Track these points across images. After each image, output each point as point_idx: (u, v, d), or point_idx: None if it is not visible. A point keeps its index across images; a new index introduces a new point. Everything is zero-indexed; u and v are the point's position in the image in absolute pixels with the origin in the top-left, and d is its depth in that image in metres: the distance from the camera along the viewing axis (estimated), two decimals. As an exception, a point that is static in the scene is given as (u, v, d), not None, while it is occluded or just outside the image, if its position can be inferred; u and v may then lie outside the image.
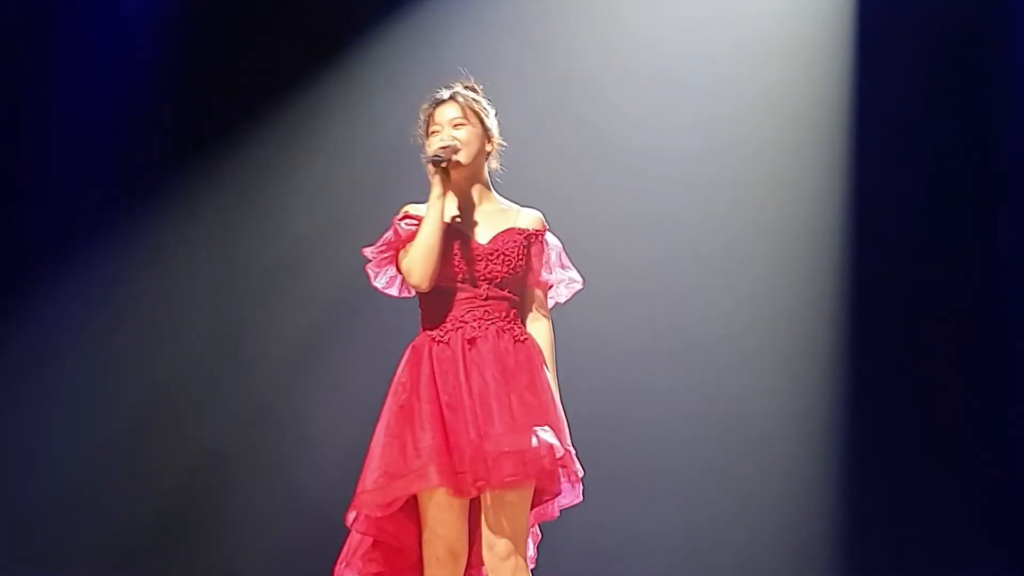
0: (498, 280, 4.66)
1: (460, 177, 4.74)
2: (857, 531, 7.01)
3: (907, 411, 7.04)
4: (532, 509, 4.66)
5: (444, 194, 4.67)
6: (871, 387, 7.04)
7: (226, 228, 7.07)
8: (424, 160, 4.69)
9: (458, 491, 4.54)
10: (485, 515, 4.58)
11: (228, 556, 6.93)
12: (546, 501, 4.67)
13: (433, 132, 4.74)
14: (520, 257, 4.69)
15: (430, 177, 4.68)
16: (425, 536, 4.61)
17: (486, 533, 4.59)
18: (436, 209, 4.66)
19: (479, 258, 4.67)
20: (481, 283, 4.66)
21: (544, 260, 4.76)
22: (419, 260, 4.64)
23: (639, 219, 7.03)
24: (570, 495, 4.70)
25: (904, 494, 7.00)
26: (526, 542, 4.61)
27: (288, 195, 7.07)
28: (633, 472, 6.79)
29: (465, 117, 4.73)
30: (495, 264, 4.67)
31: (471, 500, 4.63)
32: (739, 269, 7.05)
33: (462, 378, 4.59)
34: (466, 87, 4.82)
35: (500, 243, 4.69)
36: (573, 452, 4.65)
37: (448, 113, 4.74)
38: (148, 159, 7.03)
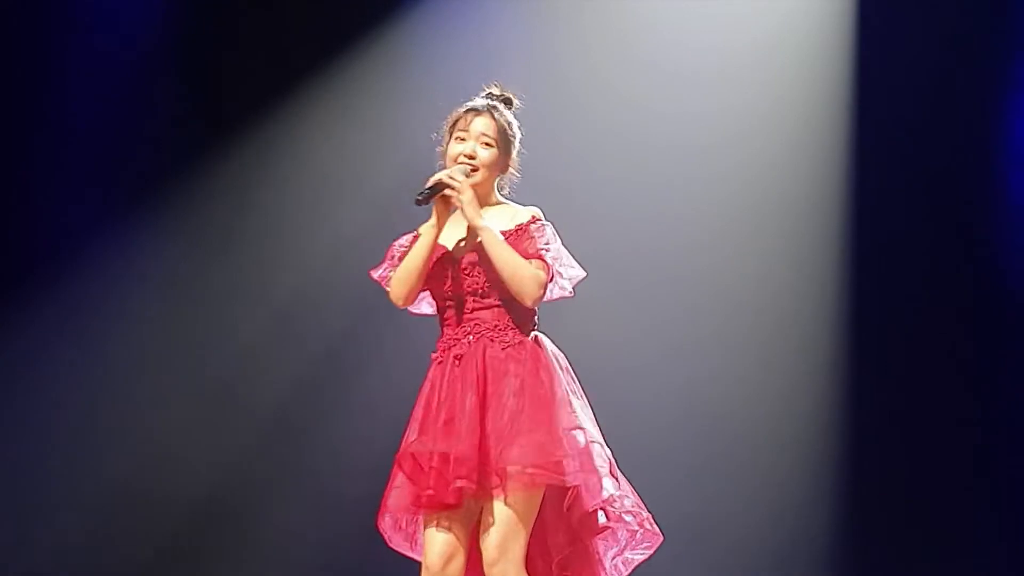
0: (480, 291, 4.68)
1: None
2: (857, 530, 7.02)
3: (908, 409, 7.04)
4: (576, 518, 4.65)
5: (441, 224, 4.70)
6: (872, 383, 7.04)
7: (236, 229, 7.09)
8: (423, 193, 4.66)
9: (417, 509, 4.60)
10: (480, 523, 4.61)
11: (248, 565, 6.96)
12: (570, 493, 4.61)
13: (458, 138, 4.75)
14: None
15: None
16: (422, 542, 4.68)
17: (480, 541, 4.61)
18: (429, 237, 4.70)
19: (456, 273, 4.69)
20: (467, 297, 4.69)
21: (532, 241, 4.68)
22: (397, 280, 4.72)
23: (641, 213, 7.03)
24: (590, 498, 4.63)
25: (904, 493, 7.01)
26: (521, 551, 4.57)
27: (310, 199, 7.09)
28: (632, 468, 6.77)
29: (495, 137, 4.75)
30: (474, 276, 4.68)
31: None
32: (740, 265, 7.06)
33: (444, 395, 4.62)
34: (502, 98, 4.83)
35: (476, 255, 4.68)
36: (563, 436, 4.56)
37: (480, 126, 4.75)
38: (152, 162, 7.03)
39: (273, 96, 7.04)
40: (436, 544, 4.61)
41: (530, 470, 4.52)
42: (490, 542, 4.56)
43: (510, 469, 4.51)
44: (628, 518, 4.63)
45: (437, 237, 4.71)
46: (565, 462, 4.55)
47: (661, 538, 4.68)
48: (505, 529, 4.54)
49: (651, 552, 4.70)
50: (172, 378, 6.99)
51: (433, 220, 4.70)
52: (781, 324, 7.05)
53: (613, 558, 4.69)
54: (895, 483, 7.00)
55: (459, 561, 4.62)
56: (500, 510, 4.55)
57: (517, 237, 4.68)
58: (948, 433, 7.00)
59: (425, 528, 4.64)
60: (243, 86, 7.04)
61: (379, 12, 7.04)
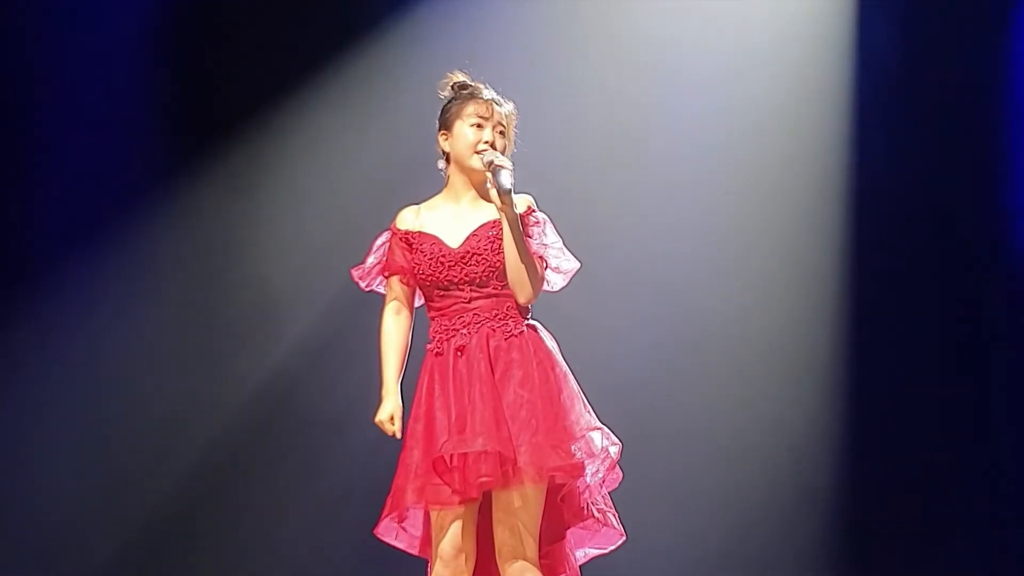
0: (478, 280, 4.65)
1: (461, 179, 4.75)
2: (856, 530, 7.02)
3: (908, 409, 7.04)
4: (562, 497, 4.66)
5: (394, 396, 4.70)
6: (872, 383, 7.04)
7: (232, 225, 7.08)
8: (497, 179, 4.61)
9: (435, 503, 4.56)
10: (494, 517, 4.60)
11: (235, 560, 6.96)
12: (566, 487, 4.65)
13: (477, 125, 4.72)
14: (497, 251, 4.64)
15: (490, 173, 4.65)
16: (432, 537, 4.65)
17: (495, 535, 4.61)
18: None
19: (453, 263, 4.65)
20: (463, 286, 4.65)
21: (530, 237, 4.69)
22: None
23: (639, 213, 7.02)
24: (604, 478, 4.68)
25: (904, 494, 7.01)
26: (535, 542, 4.59)
27: (302, 193, 7.07)
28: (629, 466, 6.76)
29: (507, 127, 4.75)
30: (471, 266, 4.65)
31: (483, 504, 4.64)
32: (741, 265, 7.06)
33: (450, 388, 4.60)
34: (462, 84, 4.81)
35: (472, 243, 4.66)
36: (583, 433, 4.60)
37: (498, 116, 4.73)
38: (150, 162, 7.01)
39: (268, 97, 7.03)
40: (450, 536, 4.59)
41: (556, 473, 4.57)
42: (508, 536, 4.57)
43: (531, 468, 4.52)
44: (597, 513, 4.68)
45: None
46: (587, 464, 4.60)
47: (624, 536, 4.74)
48: (522, 523, 4.56)
49: (612, 549, 4.76)
50: (167, 377, 6.98)
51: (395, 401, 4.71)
52: (780, 324, 7.04)
53: (581, 549, 4.75)
54: (894, 483, 6.99)
55: (471, 551, 4.62)
56: (516, 504, 4.56)
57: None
58: (948, 433, 7.00)
59: (436, 520, 4.62)
60: (238, 87, 7.03)
61: (373, 15, 7.03)
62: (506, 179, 4.59)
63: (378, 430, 4.73)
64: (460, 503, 4.55)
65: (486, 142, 4.70)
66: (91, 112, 6.94)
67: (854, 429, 7.04)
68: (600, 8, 7.05)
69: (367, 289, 4.83)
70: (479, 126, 4.72)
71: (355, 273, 4.82)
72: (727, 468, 6.97)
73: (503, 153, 4.71)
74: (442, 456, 4.54)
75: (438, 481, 4.53)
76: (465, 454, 4.51)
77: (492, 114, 4.73)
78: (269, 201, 7.08)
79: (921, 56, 7.05)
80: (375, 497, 4.79)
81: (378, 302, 4.79)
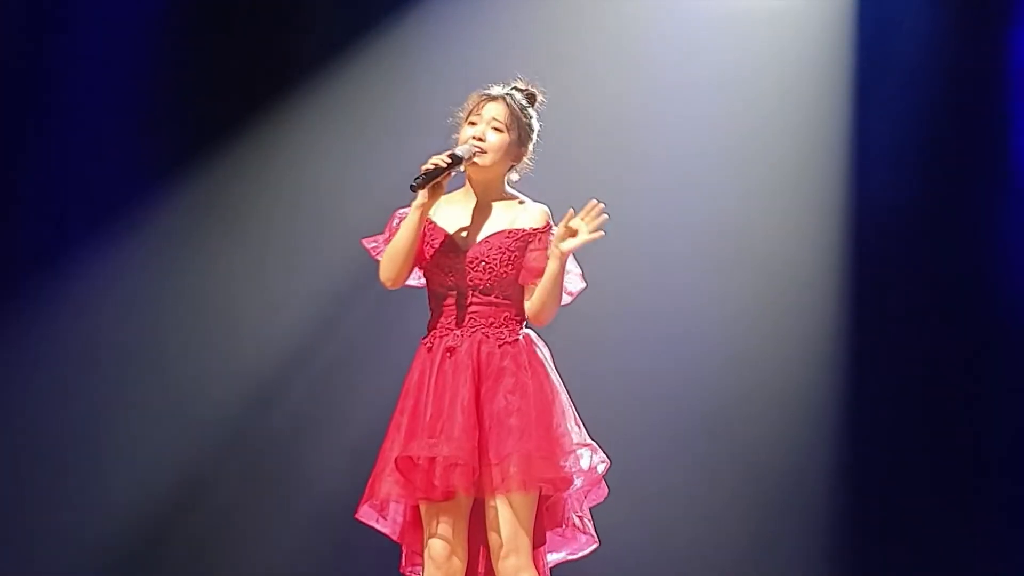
0: (483, 287, 4.67)
1: (475, 179, 4.76)
2: (854, 532, 7.03)
3: (909, 409, 7.05)
4: (547, 506, 4.68)
5: (427, 206, 4.66)
6: (874, 386, 7.05)
7: (233, 223, 7.09)
8: (418, 179, 4.63)
9: (409, 499, 4.60)
10: (487, 519, 4.63)
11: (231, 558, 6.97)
12: (553, 496, 4.67)
13: (470, 123, 4.74)
14: (506, 262, 4.66)
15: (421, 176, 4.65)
16: (424, 535, 4.67)
17: (489, 537, 4.63)
18: (415, 218, 4.66)
19: (462, 267, 4.67)
20: (467, 290, 4.67)
21: (543, 255, 4.70)
22: (386, 259, 4.69)
23: (641, 215, 7.03)
24: (588, 491, 4.70)
25: (905, 495, 7.02)
26: (529, 544, 4.61)
27: (296, 192, 7.08)
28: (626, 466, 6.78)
29: (505, 123, 4.73)
30: (477, 272, 4.66)
31: (477, 504, 4.66)
32: (742, 268, 7.07)
33: (433, 388, 4.62)
34: (526, 92, 4.82)
35: (483, 251, 4.67)
36: (573, 448, 4.61)
37: (492, 111, 4.73)
38: (151, 158, 7.03)
39: (273, 94, 7.04)
40: (440, 537, 4.62)
41: (544, 484, 4.59)
42: (500, 538, 4.58)
43: (520, 476, 4.54)
44: (577, 520, 4.73)
45: (422, 217, 4.66)
46: (575, 479, 4.62)
47: (597, 543, 4.75)
48: (514, 525, 4.57)
49: (583, 555, 4.77)
50: (162, 377, 7.00)
51: (419, 200, 4.65)
52: (781, 330, 7.05)
53: (555, 553, 4.77)
54: (895, 484, 7.00)
55: (462, 552, 4.64)
56: (508, 508, 4.57)
57: (530, 242, 4.69)
58: (949, 434, 7.00)
59: (427, 520, 4.64)
60: (244, 84, 7.05)
61: (379, 14, 7.05)
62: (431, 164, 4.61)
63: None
64: (423, 500, 4.57)
65: (474, 137, 4.70)
66: (86, 110, 6.97)
67: (855, 431, 7.04)
68: (599, 9, 7.06)
69: (376, 254, 4.79)
70: (473, 123, 4.73)
71: (367, 243, 4.83)
72: (727, 474, 6.98)
73: (495, 147, 4.70)
74: (409, 456, 4.56)
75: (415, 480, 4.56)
76: (432, 458, 4.54)
77: (482, 109, 4.73)
78: (268, 203, 7.10)
79: (922, 55, 7.06)
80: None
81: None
